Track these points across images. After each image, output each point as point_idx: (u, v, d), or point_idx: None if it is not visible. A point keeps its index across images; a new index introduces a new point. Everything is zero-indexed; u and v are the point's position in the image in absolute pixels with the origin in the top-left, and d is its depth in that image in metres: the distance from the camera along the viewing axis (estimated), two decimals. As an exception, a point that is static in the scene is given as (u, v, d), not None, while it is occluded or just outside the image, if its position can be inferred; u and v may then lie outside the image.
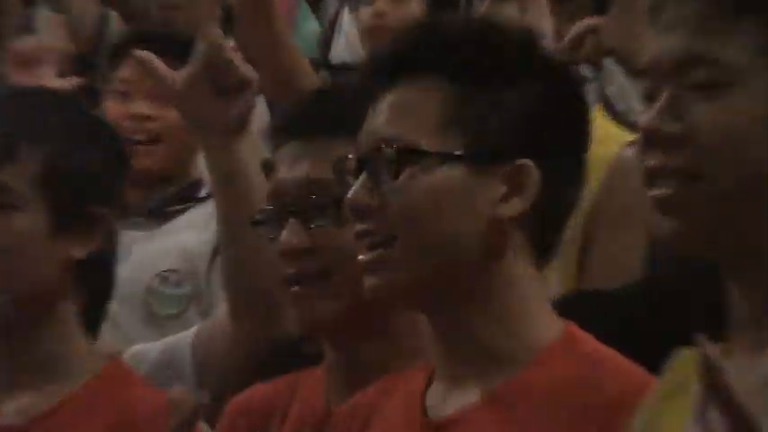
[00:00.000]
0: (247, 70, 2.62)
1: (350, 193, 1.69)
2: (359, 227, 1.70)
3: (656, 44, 1.36)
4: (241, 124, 2.56)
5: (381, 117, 1.72)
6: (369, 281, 1.69)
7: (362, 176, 1.69)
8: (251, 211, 2.38)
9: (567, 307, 1.98)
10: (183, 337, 2.81)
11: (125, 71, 3.62)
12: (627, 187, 2.94)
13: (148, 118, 3.47)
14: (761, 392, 1.27)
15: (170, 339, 2.84)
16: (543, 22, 3.05)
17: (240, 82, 2.56)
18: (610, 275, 3.06)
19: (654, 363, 1.58)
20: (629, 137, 3.12)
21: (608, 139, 2.93)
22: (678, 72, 1.32)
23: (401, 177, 1.67)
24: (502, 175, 1.65)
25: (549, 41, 2.39)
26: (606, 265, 3.17)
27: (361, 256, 1.75)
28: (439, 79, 1.72)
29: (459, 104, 1.72)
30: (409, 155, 1.68)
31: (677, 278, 2.35)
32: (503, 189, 1.63)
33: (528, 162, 1.64)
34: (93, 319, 2.29)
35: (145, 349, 2.77)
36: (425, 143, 1.68)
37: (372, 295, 1.70)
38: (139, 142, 3.51)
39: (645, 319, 2.30)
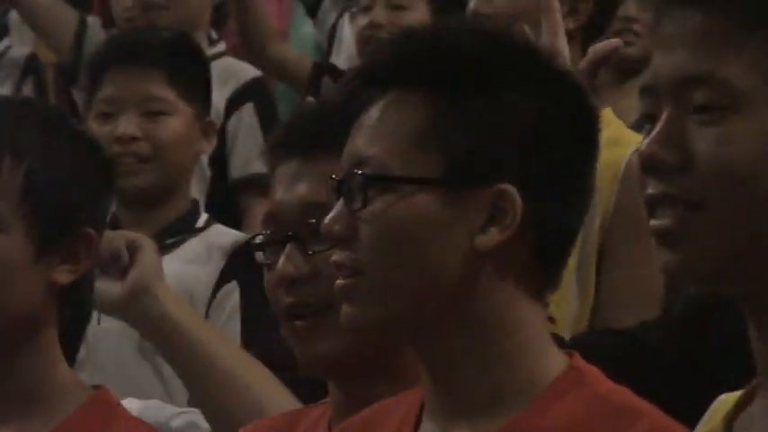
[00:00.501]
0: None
1: (325, 220, 1.64)
2: (334, 256, 1.65)
3: (656, 61, 1.34)
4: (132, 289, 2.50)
5: (360, 135, 1.68)
6: (343, 310, 1.62)
7: (339, 201, 1.64)
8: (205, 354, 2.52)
9: (581, 348, 1.85)
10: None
11: (108, 89, 3.46)
12: (632, 198, 2.86)
13: (136, 139, 3.31)
14: None
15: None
16: (558, 41, 3.04)
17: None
18: (630, 297, 3.03)
19: (684, 410, 1.60)
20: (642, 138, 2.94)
21: (620, 141, 2.91)
22: (678, 93, 1.29)
23: (371, 205, 1.61)
24: (480, 202, 1.57)
25: (565, 61, 2.34)
26: (626, 285, 3.11)
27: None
28: (419, 94, 1.65)
29: (437, 122, 1.65)
30: (380, 181, 1.63)
31: (701, 309, 2.30)
32: (481, 217, 1.55)
33: (509, 187, 1.56)
34: (71, 345, 2.25)
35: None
36: (398, 166, 1.62)
37: (346, 326, 1.64)
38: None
39: (672, 363, 2.25)
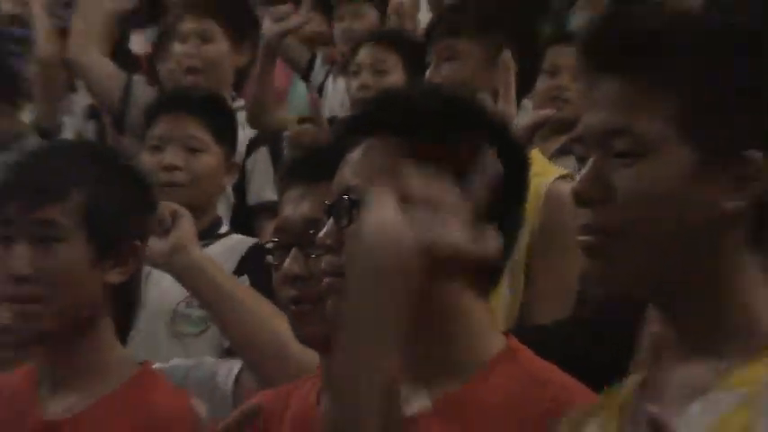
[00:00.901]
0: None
1: (319, 234, 1.89)
2: (322, 263, 1.92)
3: (587, 117, 1.54)
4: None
5: (347, 169, 1.90)
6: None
7: (330, 220, 1.87)
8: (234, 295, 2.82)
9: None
10: (220, 379, 2.99)
11: (158, 129, 3.86)
12: (560, 215, 3.10)
13: (178, 168, 3.69)
14: (682, 407, 1.49)
15: (200, 375, 3.01)
16: (510, 106, 3.42)
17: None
18: (549, 299, 3.28)
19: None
20: (562, 171, 3.39)
21: (542, 173, 3.14)
22: (603, 142, 1.49)
23: (355, 222, 1.80)
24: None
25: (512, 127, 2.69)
26: (546, 289, 3.31)
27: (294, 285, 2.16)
28: (392, 139, 1.89)
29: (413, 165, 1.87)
30: (360, 204, 1.82)
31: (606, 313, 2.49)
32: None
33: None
34: (123, 330, 2.52)
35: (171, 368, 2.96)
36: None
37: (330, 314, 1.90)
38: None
39: (583, 354, 2.39)
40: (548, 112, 3.25)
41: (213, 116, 3.93)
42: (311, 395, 2.24)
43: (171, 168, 3.72)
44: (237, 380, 2.94)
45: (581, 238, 1.51)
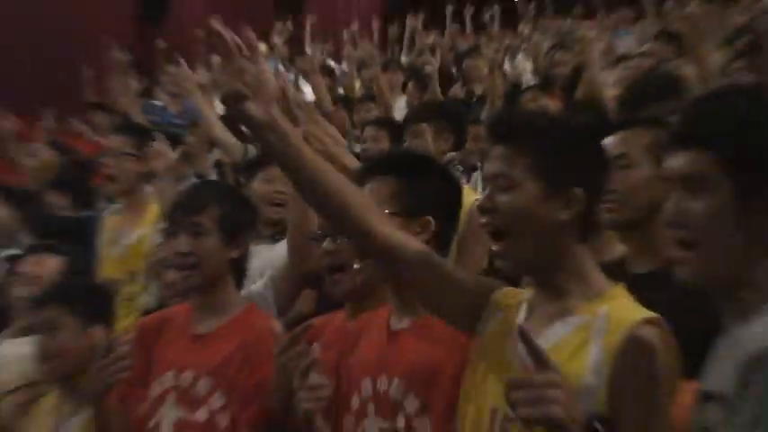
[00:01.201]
0: None
1: None
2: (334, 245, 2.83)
3: (486, 166, 2.23)
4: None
5: (366, 192, 2.51)
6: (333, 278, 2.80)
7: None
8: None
9: None
10: (264, 285, 3.59)
11: (267, 173, 4.23)
12: (475, 223, 3.05)
13: (282, 192, 3.97)
14: (548, 328, 2.08)
15: (258, 286, 3.60)
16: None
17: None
18: (471, 270, 3.34)
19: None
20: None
21: (468, 198, 3.19)
22: (492, 180, 2.15)
23: None
24: (421, 223, 2.56)
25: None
26: (468, 267, 3.51)
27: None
28: (390, 178, 2.62)
29: (400, 191, 2.59)
30: None
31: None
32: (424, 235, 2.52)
33: (430, 218, 2.55)
34: (238, 283, 3.21)
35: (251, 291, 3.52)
36: (386, 207, 2.51)
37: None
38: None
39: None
40: None
41: None
42: (343, 323, 2.89)
43: (279, 193, 4.07)
44: (271, 279, 3.58)
45: (485, 230, 2.17)
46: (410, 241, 2.31)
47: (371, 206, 2.31)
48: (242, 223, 3.19)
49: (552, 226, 2.09)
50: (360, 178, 2.66)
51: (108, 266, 4.77)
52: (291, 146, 2.13)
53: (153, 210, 4.87)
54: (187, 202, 3.18)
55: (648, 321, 1.98)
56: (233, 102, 2.10)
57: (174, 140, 5.91)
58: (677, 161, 1.80)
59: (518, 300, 2.24)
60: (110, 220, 4.98)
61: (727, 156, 1.72)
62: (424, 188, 2.61)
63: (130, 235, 4.85)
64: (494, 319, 2.25)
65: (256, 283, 3.56)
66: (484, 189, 2.28)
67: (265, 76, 2.15)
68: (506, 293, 2.28)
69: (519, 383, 1.70)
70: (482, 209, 2.13)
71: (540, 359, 1.73)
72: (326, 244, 2.91)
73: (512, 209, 2.09)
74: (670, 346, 1.98)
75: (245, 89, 2.09)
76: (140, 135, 5.07)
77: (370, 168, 2.72)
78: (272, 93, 2.17)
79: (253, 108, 2.08)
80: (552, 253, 2.12)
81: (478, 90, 8.18)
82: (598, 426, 1.68)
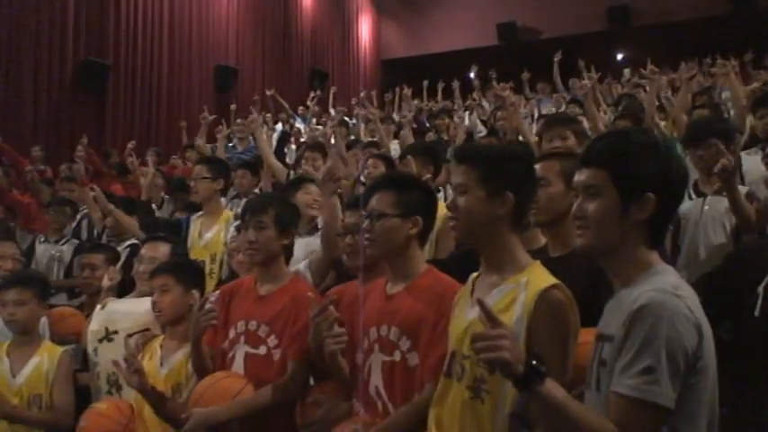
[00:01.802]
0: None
1: (363, 226, 2.60)
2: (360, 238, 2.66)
3: (452, 178, 2.23)
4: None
5: (373, 202, 2.58)
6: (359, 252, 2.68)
7: (366, 222, 2.56)
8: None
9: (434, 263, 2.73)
10: (304, 266, 3.52)
11: (309, 189, 4.20)
12: (446, 224, 3.12)
13: (317, 200, 4.03)
14: (489, 294, 2.09)
15: (300, 267, 3.52)
16: None
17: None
18: (443, 252, 3.56)
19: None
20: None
21: (441, 210, 3.00)
22: (455, 188, 2.19)
23: (377, 222, 2.53)
24: (412, 221, 2.54)
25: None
26: (442, 251, 3.59)
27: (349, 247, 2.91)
28: (391, 190, 2.60)
29: (398, 200, 2.57)
30: (382, 215, 2.54)
31: (463, 255, 2.88)
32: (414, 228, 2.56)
33: (419, 217, 2.55)
34: (287, 261, 3.18)
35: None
36: (388, 210, 2.55)
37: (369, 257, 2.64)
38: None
39: (455, 268, 2.63)
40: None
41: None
42: (353, 289, 2.84)
43: (315, 200, 4.10)
44: (309, 264, 3.51)
45: (450, 222, 2.24)
46: None
47: None
48: (291, 221, 3.19)
49: (492, 218, 2.13)
50: (370, 190, 2.69)
51: (196, 252, 4.86)
52: None
53: (225, 214, 5.05)
54: (253, 206, 3.16)
55: (554, 286, 2.02)
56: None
57: (242, 165, 6.23)
58: (582, 175, 1.85)
59: (466, 287, 2.29)
60: (196, 221, 5.04)
61: (615, 173, 1.78)
62: (413, 197, 2.60)
63: (210, 231, 4.93)
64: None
65: (300, 264, 3.55)
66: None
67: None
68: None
69: (479, 336, 1.69)
70: (449, 207, 2.20)
71: (491, 318, 1.72)
72: (348, 239, 3.00)
73: (466, 206, 2.14)
74: (571, 302, 2.02)
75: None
76: (215, 165, 5.19)
77: (378, 184, 2.70)
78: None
79: None
80: (491, 235, 2.15)
81: (445, 137, 8.26)
82: (535, 361, 1.65)
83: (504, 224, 2.15)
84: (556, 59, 11.35)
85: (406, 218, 2.54)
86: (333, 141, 6.99)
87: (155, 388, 3.06)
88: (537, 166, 2.73)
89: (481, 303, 1.77)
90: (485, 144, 3.21)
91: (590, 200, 1.80)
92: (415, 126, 8.98)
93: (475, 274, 2.27)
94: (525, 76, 12.23)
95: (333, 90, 13.89)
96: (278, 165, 6.36)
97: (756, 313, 2.07)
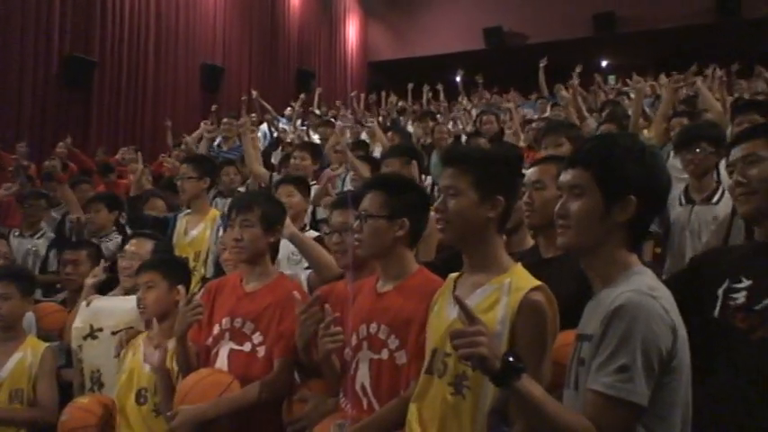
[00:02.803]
0: None
1: (353, 226, 2.61)
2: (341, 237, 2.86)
3: (441, 181, 2.23)
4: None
5: (365, 202, 2.58)
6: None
7: (357, 221, 2.57)
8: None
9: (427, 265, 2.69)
10: (301, 275, 3.52)
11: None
12: (432, 225, 2.83)
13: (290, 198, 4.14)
14: (473, 293, 2.11)
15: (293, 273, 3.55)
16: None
17: None
18: (428, 255, 3.43)
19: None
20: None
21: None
22: (445, 191, 2.19)
23: (366, 223, 2.53)
24: (400, 223, 2.53)
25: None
26: (427, 252, 3.48)
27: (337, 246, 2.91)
28: (381, 191, 2.58)
29: (387, 201, 2.55)
30: (369, 216, 2.54)
31: (449, 258, 2.78)
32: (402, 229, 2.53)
33: (406, 219, 2.52)
34: (273, 259, 3.17)
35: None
36: (375, 212, 2.54)
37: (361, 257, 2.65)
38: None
39: (441, 270, 2.56)
40: None
41: None
42: (342, 287, 2.87)
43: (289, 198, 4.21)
44: (308, 279, 3.46)
45: (438, 224, 2.22)
46: None
47: None
48: (277, 219, 3.18)
49: (482, 221, 2.15)
50: (363, 190, 2.70)
51: (180, 249, 4.86)
52: None
53: (211, 213, 5.04)
54: (240, 204, 3.16)
55: (536, 288, 2.05)
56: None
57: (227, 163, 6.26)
58: (567, 176, 1.88)
59: (447, 287, 2.31)
60: (183, 219, 5.03)
61: (599, 174, 1.81)
62: (403, 199, 2.60)
63: (195, 229, 4.93)
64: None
65: (300, 275, 3.55)
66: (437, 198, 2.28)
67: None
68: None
69: (458, 333, 1.71)
70: (437, 209, 2.20)
71: (470, 317, 1.75)
72: (335, 237, 3.01)
73: (457, 208, 2.15)
74: (552, 304, 2.06)
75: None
76: (200, 164, 5.18)
77: (370, 184, 2.72)
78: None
79: None
80: (478, 237, 2.18)
81: (428, 140, 8.30)
82: (512, 359, 1.67)
83: (492, 227, 2.18)
84: (541, 65, 11.41)
85: (393, 220, 2.53)
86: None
87: (169, 372, 3.11)
88: (533, 170, 2.80)
89: (459, 301, 1.79)
90: (475, 147, 3.21)
91: (573, 199, 1.83)
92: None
93: (455, 274, 2.29)
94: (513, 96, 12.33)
95: (318, 91, 13.86)
96: (261, 170, 6.39)
97: (716, 314, 2.10)
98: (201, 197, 5.07)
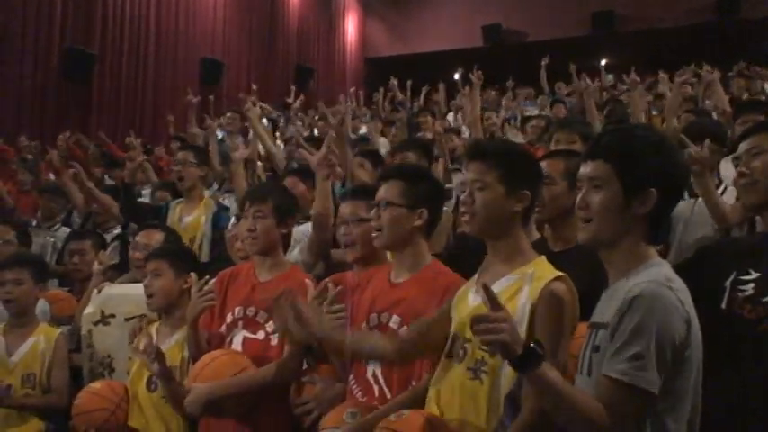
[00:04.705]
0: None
1: (371, 216, 2.63)
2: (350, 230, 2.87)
3: (467, 176, 2.24)
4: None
5: (382, 191, 2.60)
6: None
7: (375, 210, 2.60)
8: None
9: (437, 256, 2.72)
10: (299, 251, 3.64)
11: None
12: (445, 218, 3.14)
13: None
14: (497, 281, 2.10)
15: (295, 254, 3.65)
16: None
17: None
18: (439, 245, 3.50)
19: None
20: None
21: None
22: (471, 184, 2.19)
23: (384, 211, 2.56)
24: (419, 213, 2.55)
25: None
26: (436, 245, 3.39)
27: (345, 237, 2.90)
28: (399, 181, 2.60)
29: (406, 190, 2.58)
30: (390, 204, 2.56)
31: (467, 248, 2.74)
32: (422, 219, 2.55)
33: (424, 211, 2.55)
34: (285, 249, 3.25)
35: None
36: (395, 200, 2.56)
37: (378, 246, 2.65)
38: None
39: (454, 261, 2.67)
40: None
41: None
42: (351, 277, 2.89)
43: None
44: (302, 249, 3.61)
45: (463, 217, 2.23)
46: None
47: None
48: (289, 210, 3.21)
49: (508, 214, 2.18)
50: (378, 181, 2.73)
51: (174, 236, 4.85)
52: None
53: (205, 200, 5.08)
54: (253, 195, 3.19)
55: (558, 278, 2.08)
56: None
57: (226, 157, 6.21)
58: (586, 168, 1.89)
59: (467, 287, 2.31)
60: (176, 206, 5.05)
61: (619, 167, 1.84)
62: (421, 189, 2.62)
63: (190, 215, 4.94)
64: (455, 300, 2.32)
65: (294, 251, 3.61)
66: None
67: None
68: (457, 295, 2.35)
69: (480, 318, 1.72)
70: (464, 202, 2.22)
71: (494, 303, 1.76)
72: (343, 229, 3.01)
73: (484, 202, 2.17)
74: (572, 295, 2.08)
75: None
76: (200, 151, 5.26)
77: (387, 173, 2.72)
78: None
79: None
80: (504, 230, 2.20)
81: (428, 135, 8.33)
82: (535, 345, 1.70)
83: (517, 220, 2.20)
84: (544, 63, 11.46)
85: (412, 209, 2.55)
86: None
87: (172, 373, 3.13)
88: (541, 164, 2.78)
89: (485, 287, 1.80)
90: (501, 141, 3.23)
91: (594, 192, 1.85)
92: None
93: (470, 281, 2.32)
94: (510, 84, 12.31)
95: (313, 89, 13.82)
96: (278, 153, 6.34)
97: (723, 306, 2.13)
98: (197, 185, 5.10)
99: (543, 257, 2.21)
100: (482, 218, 2.17)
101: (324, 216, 3.39)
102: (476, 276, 2.27)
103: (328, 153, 3.46)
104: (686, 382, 1.73)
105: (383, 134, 9.22)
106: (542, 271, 2.12)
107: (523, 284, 2.08)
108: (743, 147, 2.26)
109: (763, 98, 7.16)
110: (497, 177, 2.16)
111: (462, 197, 2.22)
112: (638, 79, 6.77)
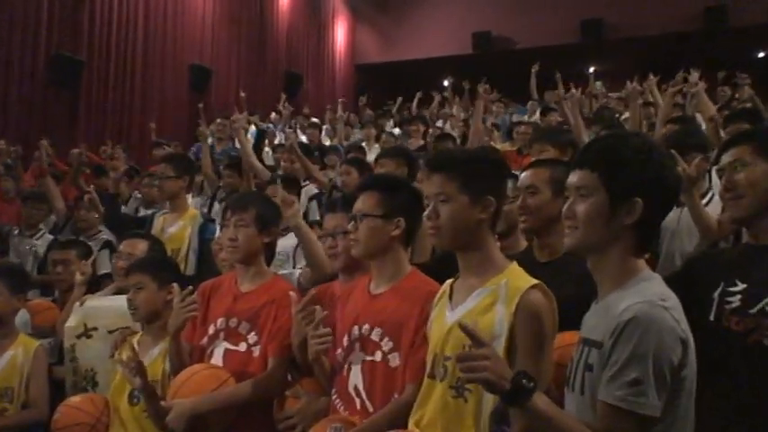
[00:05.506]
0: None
1: (349, 228, 2.65)
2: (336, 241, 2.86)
3: (426, 189, 2.27)
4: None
5: (359, 203, 2.61)
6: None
7: (352, 223, 2.61)
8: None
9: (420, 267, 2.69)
10: (295, 274, 3.65)
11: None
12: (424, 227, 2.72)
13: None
14: (469, 296, 2.13)
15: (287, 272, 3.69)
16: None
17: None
18: (423, 256, 3.39)
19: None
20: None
21: None
22: (434, 197, 2.20)
23: (361, 222, 2.56)
24: (396, 223, 2.56)
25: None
26: (422, 253, 3.42)
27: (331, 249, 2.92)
28: (374, 192, 2.61)
29: (382, 200, 2.58)
30: (365, 216, 2.57)
31: (443, 258, 2.75)
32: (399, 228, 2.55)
33: (401, 219, 2.56)
34: (268, 261, 3.18)
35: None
36: (372, 211, 2.57)
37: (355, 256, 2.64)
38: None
39: (436, 270, 2.58)
40: None
41: None
42: (336, 288, 2.97)
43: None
44: (299, 279, 3.59)
45: (429, 231, 2.25)
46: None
47: None
48: (272, 219, 3.18)
49: (475, 223, 2.16)
50: (356, 192, 2.70)
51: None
52: None
53: (190, 211, 5.08)
54: (235, 204, 3.16)
55: (534, 287, 2.05)
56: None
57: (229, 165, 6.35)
58: (574, 177, 1.88)
59: (444, 291, 2.32)
60: (160, 217, 5.07)
61: (605, 175, 1.81)
62: (397, 198, 2.61)
63: (173, 226, 4.94)
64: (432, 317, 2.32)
65: (294, 272, 3.62)
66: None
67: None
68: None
69: (462, 357, 1.72)
70: (428, 216, 2.21)
71: (476, 340, 1.73)
72: (329, 242, 3.01)
73: (450, 214, 2.16)
74: (550, 303, 2.05)
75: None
76: (179, 163, 5.20)
77: (364, 185, 2.72)
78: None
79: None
80: (472, 240, 2.18)
81: (419, 143, 8.34)
82: (523, 379, 1.68)
83: (484, 228, 2.18)
84: (534, 70, 11.47)
85: (389, 219, 2.54)
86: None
87: (154, 388, 3.08)
88: (526, 174, 2.81)
89: (464, 328, 1.77)
90: (459, 150, 3.23)
91: (580, 200, 1.83)
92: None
93: (451, 280, 2.30)
94: (494, 96, 12.06)
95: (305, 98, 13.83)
96: (259, 166, 6.36)
97: (711, 318, 2.12)
98: (180, 196, 5.08)
99: (515, 264, 2.19)
100: (449, 230, 2.16)
101: (322, 276, 3.34)
102: (448, 290, 2.25)
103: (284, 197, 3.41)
104: (684, 400, 1.72)
105: (378, 140, 9.19)
106: (516, 280, 2.09)
107: (498, 297, 2.06)
108: (725, 158, 2.25)
109: (749, 105, 7.16)
110: (459, 187, 2.15)
111: (426, 212, 2.21)
112: (640, 87, 6.76)
